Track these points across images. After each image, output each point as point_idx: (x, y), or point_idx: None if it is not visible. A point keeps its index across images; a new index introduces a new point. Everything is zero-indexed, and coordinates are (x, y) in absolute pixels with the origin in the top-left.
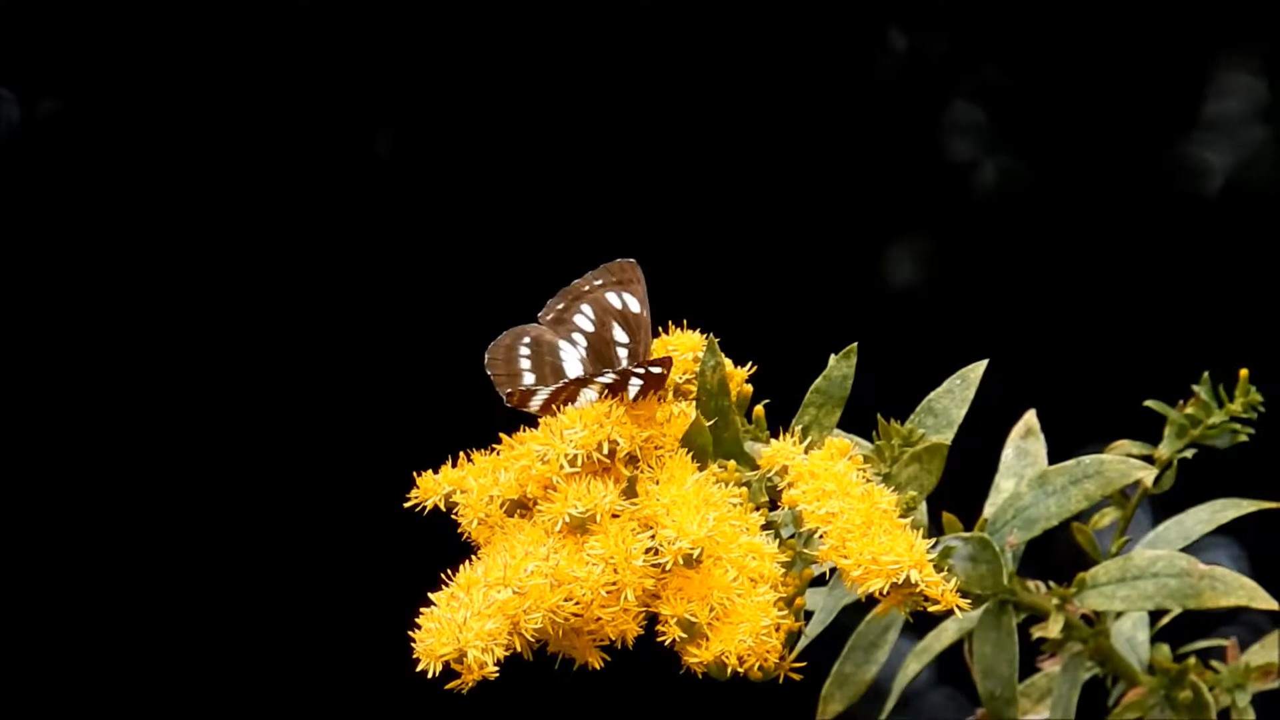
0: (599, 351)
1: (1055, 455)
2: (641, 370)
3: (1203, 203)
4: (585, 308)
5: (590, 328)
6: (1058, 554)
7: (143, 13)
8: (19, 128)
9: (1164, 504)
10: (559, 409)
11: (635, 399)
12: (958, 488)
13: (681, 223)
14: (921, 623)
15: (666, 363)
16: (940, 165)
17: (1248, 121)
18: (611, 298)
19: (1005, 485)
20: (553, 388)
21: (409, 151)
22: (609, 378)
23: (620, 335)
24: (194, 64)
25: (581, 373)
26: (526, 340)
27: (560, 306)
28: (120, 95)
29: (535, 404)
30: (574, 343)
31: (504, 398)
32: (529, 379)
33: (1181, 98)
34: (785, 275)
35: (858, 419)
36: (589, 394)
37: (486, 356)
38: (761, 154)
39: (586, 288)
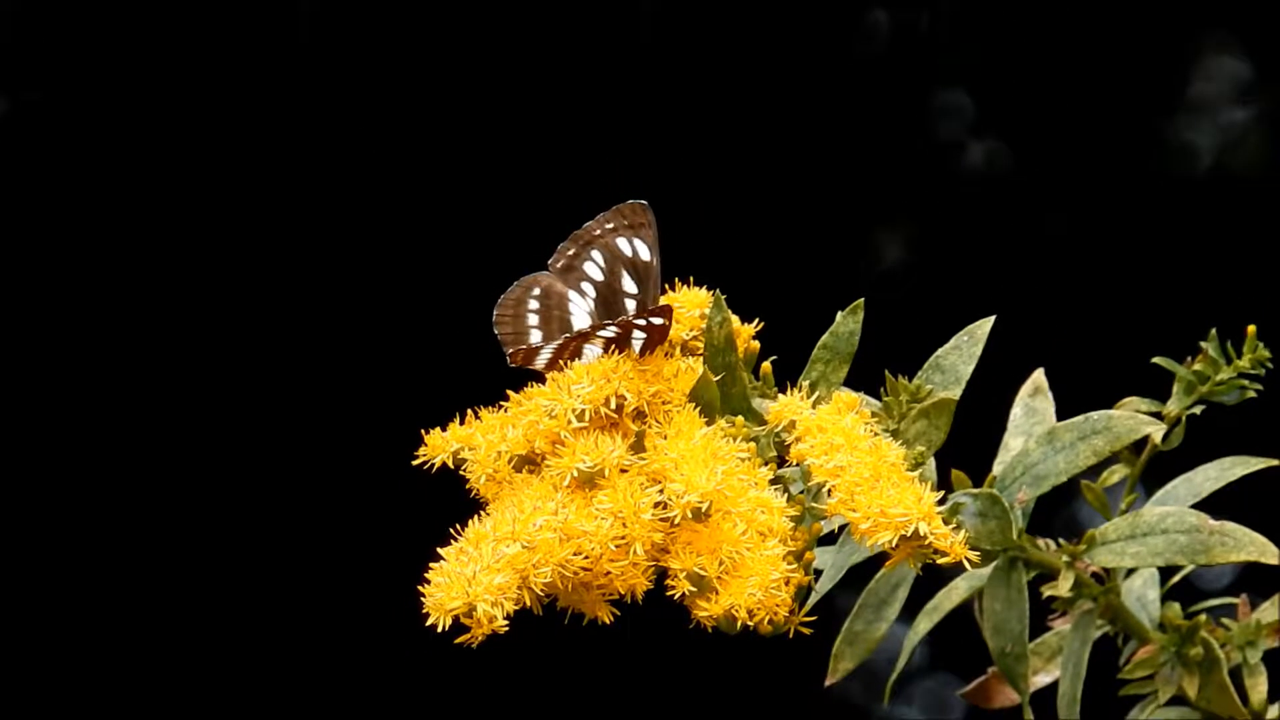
0: (608, 302)
1: (1063, 415)
2: (643, 321)
3: (1189, 184)
4: (595, 254)
5: (600, 276)
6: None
7: (132, 5)
8: (5, 119)
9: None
10: (565, 364)
11: (640, 352)
12: (966, 447)
13: (676, 200)
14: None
15: (666, 312)
16: (926, 146)
17: (1231, 103)
18: (622, 243)
19: (1014, 443)
20: (555, 344)
21: (416, 102)
22: (611, 330)
23: (629, 285)
24: (184, 56)
25: (588, 325)
26: (536, 293)
27: (571, 252)
28: (109, 86)
29: (540, 362)
30: (583, 293)
31: (508, 357)
32: (535, 336)
33: (1165, 79)
34: (780, 255)
35: (862, 379)
36: (593, 349)
37: (495, 313)
38: (750, 133)
39: (598, 231)
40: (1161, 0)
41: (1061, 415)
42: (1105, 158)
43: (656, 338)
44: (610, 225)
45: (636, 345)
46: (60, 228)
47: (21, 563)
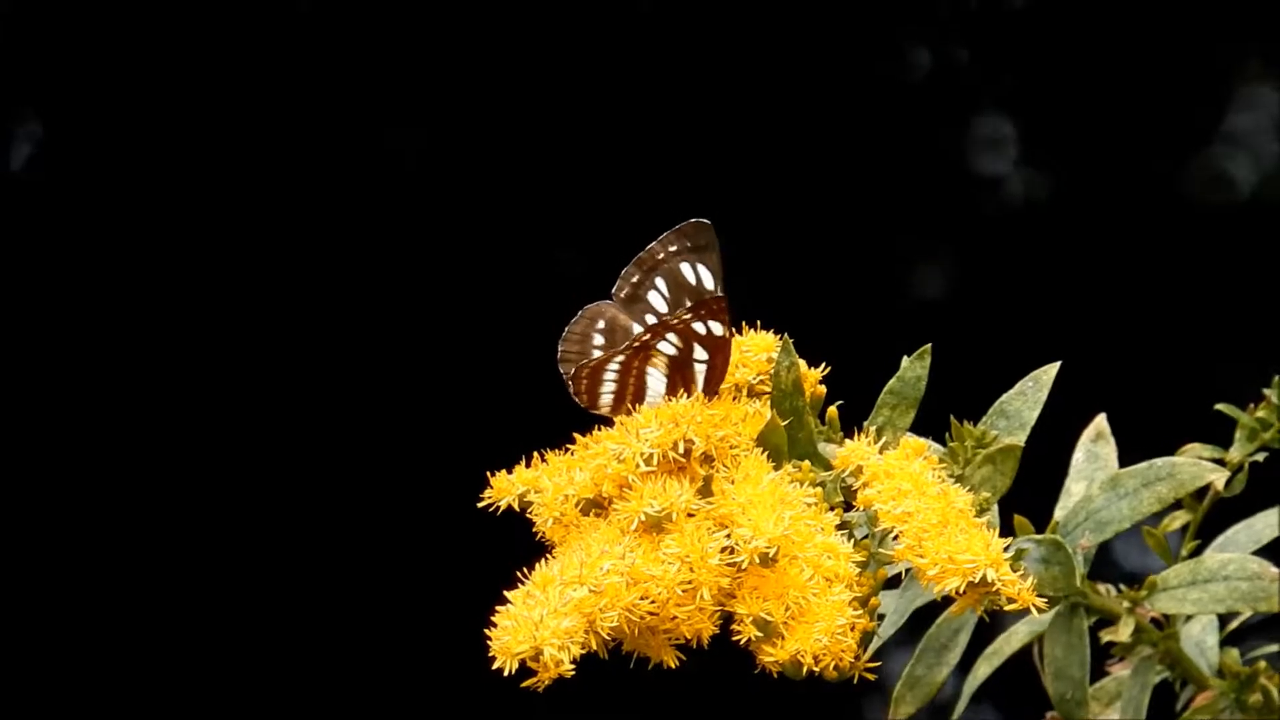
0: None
1: (1124, 459)
2: (702, 327)
3: (1228, 214)
4: (660, 283)
5: (664, 308)
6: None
7: (145, 14)
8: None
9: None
10: (630, 408)
11: (706, 388)
12: (1026, 491)
13: (728, 240)
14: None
15: (721, 304)
16: (967, 179)
17: (1267, 134)
18: (685, 270)
19: (1076, 488)
20: (618, 359)
21: (472, 143)
22: (672, 344)
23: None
24: (201, 66)
25: (645, 331)
26: (600, 326)
27: (635, 279)
28: (116, 88)
29: (604, 401)
30: (646, 325)
31: (569, 379)
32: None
33: (1203, 111)
34: (842, 265)
35: (925, 418)
36: (657, 383)
37: (560, 347)
38: (787, 164)
39: (661, 255)
40: (1198, 32)
41: (1123, 459)
42: (1143, 188)
43: (720, 363)
44: (674, 248)
45: (699, 371)
46: (91, 238)
47: (56, 561)
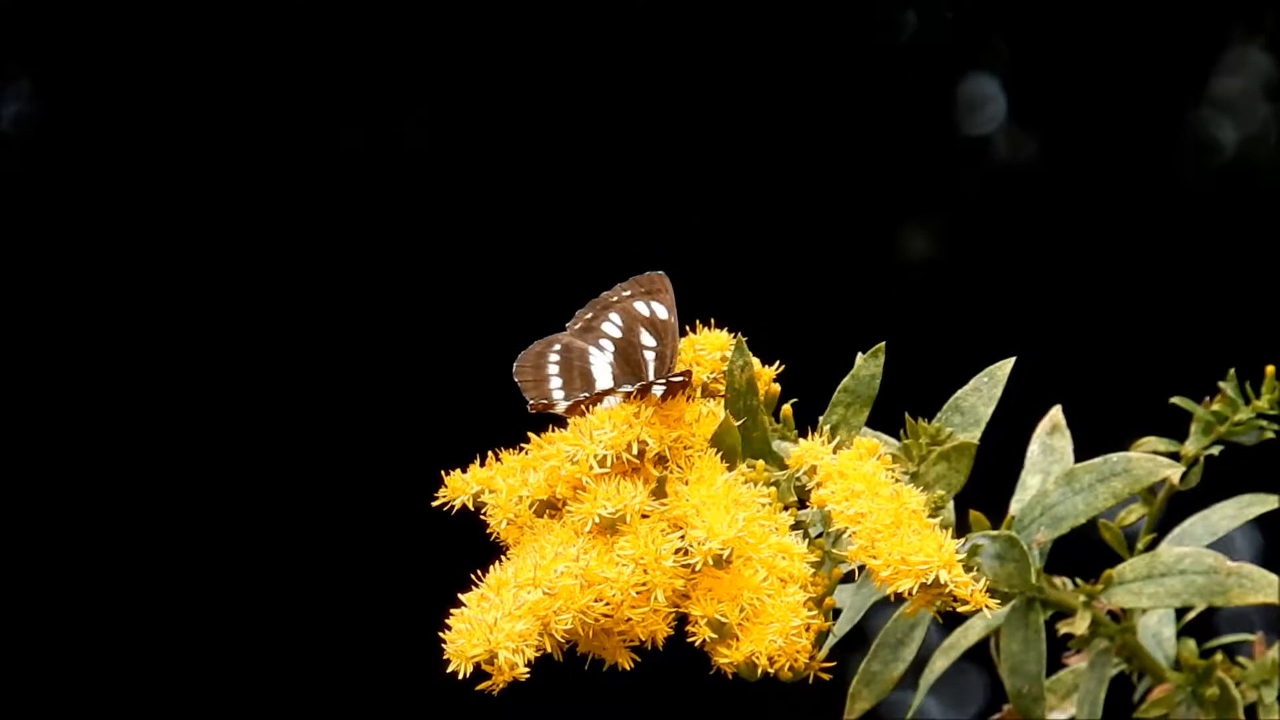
0: (626, 355)
1: (1080, 450)
2: (663, 382)
3: (1211, 180)
4: (614, 316)
5: (618, 334)
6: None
7: (141, 7)
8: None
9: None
10: (585, 410)
11: (662, 398)
12: (982, 484)
13: (698, 210)
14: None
15: (686, 375)
16: (954, 140)
17: (1254, 98)
18: (640, 306)
19: (1031, 482)
20: (574, 399)
21: (443, 151)
22: (630, 388)
23: (648, 339)
24: (195, 41)
25: (610, 377)
26: (556, 348)
27: (589, 316)
28: (116, 86)
29: (560, 406)
30: (602, 349)
31: (529, 406)
32: (555, 385)
33: (1191, 73)
34: (801, 258)
35: (881, 412)
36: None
37: (515, 366)
38: (774, 133)
39: (615, 298)
40: None
41: (1078, 450)
42: (1129, 151)
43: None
44: (627, 293)
45: (658, 392)
46: (81, 233)
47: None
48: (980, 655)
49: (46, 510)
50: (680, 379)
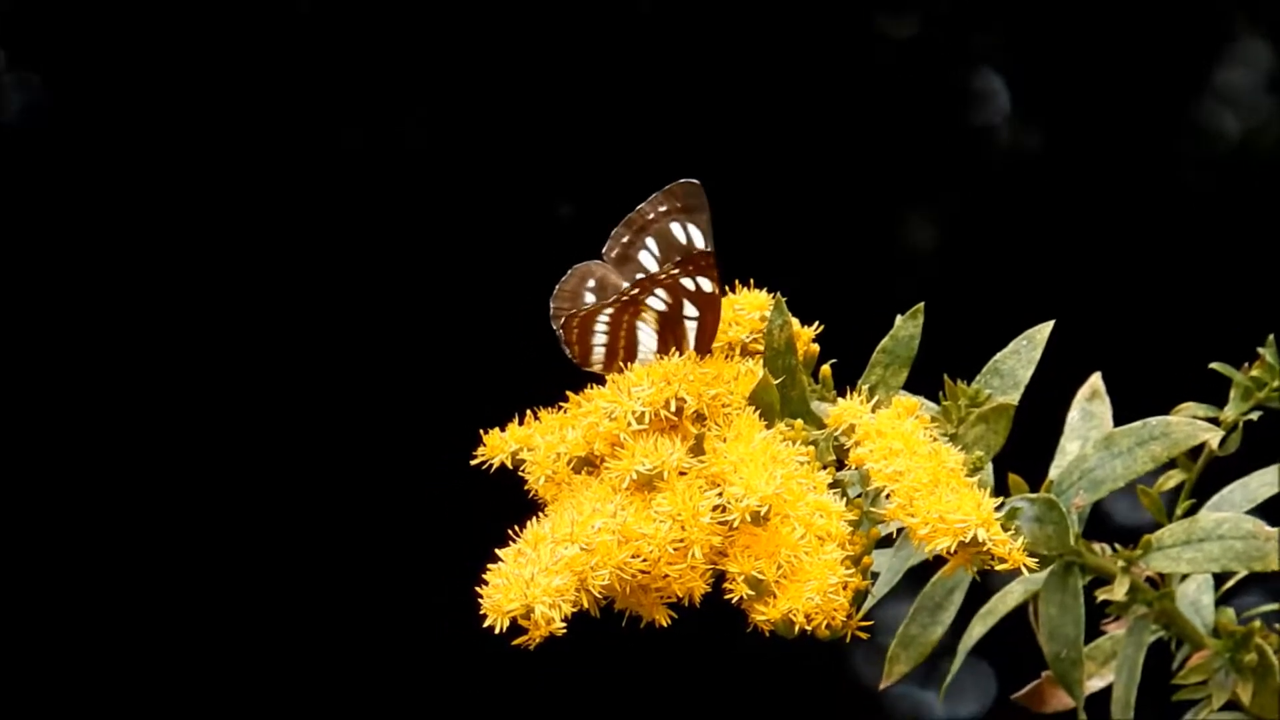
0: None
1: (1119, 418)
2: (690, 283)
3: (1217, 167)
4: (650, 242)
5: (654, 267)
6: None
7: (140, 7)
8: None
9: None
10: (624, 366)
11: (697, 345)
12: (1021, 450)
13: (720, 198)
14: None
15: (709, 258)
16: (959, 132)
17: (1259, 90)
18: (676, 229)
19: (1070, 447)
20: (609, 308)
21: (455, 106)
22: (662, 299)
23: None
24: (199, 59)
25: (633, 283)
26: (591, 284)
27: (625, 239)
28: (116, 85)
29: (595, 358)
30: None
31: (560, 328)
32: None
33: (1193, 64)
34: (828, 252)
35: (916, 378)
36: (648, 338)
37: (552, 303)
38: (778, 119)
39: (651, 214)
40: None
41: (1118, 418)
42: (1133, 141)
43: (711, 320)
44: (664, 208)
45: (690, 329)
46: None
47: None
48: (988, 650)
49: (57, 510)
50: (710, 287)
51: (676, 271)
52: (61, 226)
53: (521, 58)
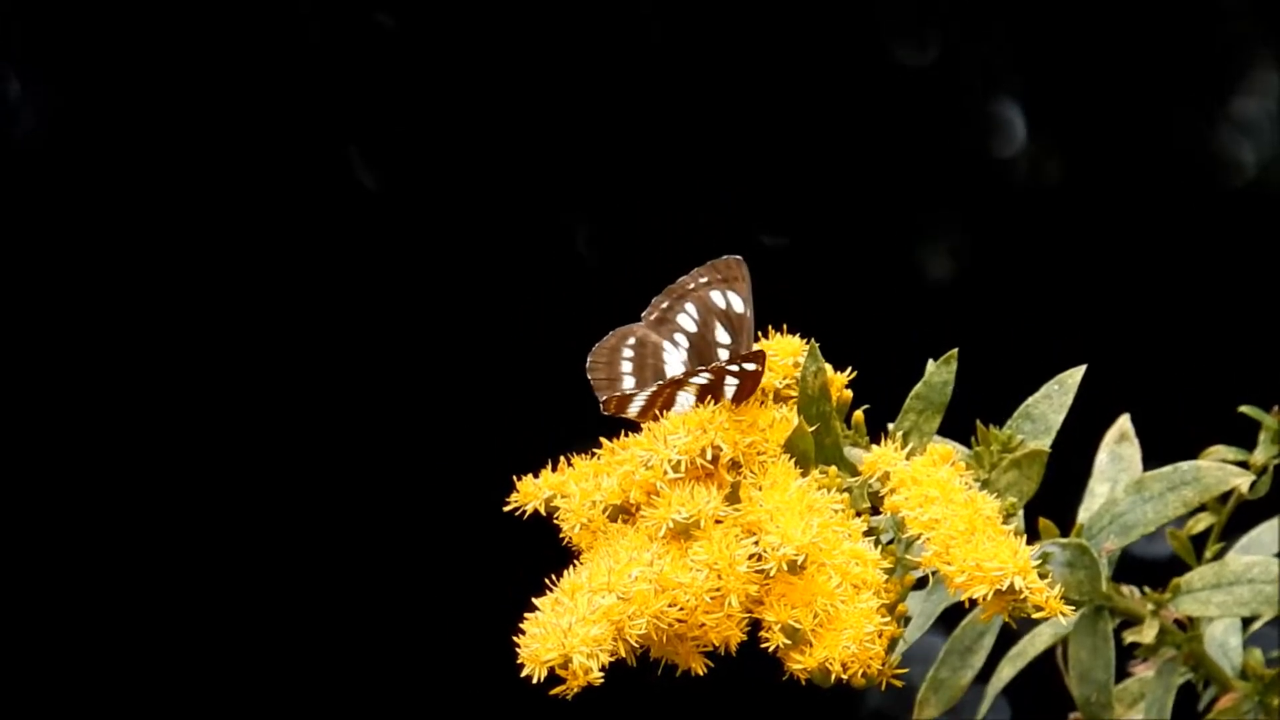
0: (701, 352)
1: (1145, 459)
2: (736, 368)
3: (1233, 199)
4: (689, 307)
5: (693, 328)
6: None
7: (133, 19)
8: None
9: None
10: (658, 415)
11: (735, 400)
12: (1048, 491)
13: (731, 215)
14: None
15: (760, 357)
16: (978, 161)
17: (1273, 119)
18: (715, 296)
19: (1100, 490)
20: (648, 392)
21: (506, 152)
22: (704, 378)
23: (722, 335)
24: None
25: (681, 372)
26: (631, 342)
27: (665, 305)
28: (116, 86)
29: (633, 410)
30: (676, 344)
31: (600, 404)
32: (629, 383)
33: (1211, 94)
34: (831, 278)
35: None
36: (686, 397)
37: (589, 360)
38: (794, 151)
39: (691, 285)
40: (1206, 15)
41: (1146, 459)
42: (1150, 171)
43: (750, 384)
44: (704, 279)
45: (729, 392)
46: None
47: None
48: (1008, 689)
49: (78, 509)
50: (754, 368)
51: (727, 364)
52: (71, 239)
53: (538, 91)
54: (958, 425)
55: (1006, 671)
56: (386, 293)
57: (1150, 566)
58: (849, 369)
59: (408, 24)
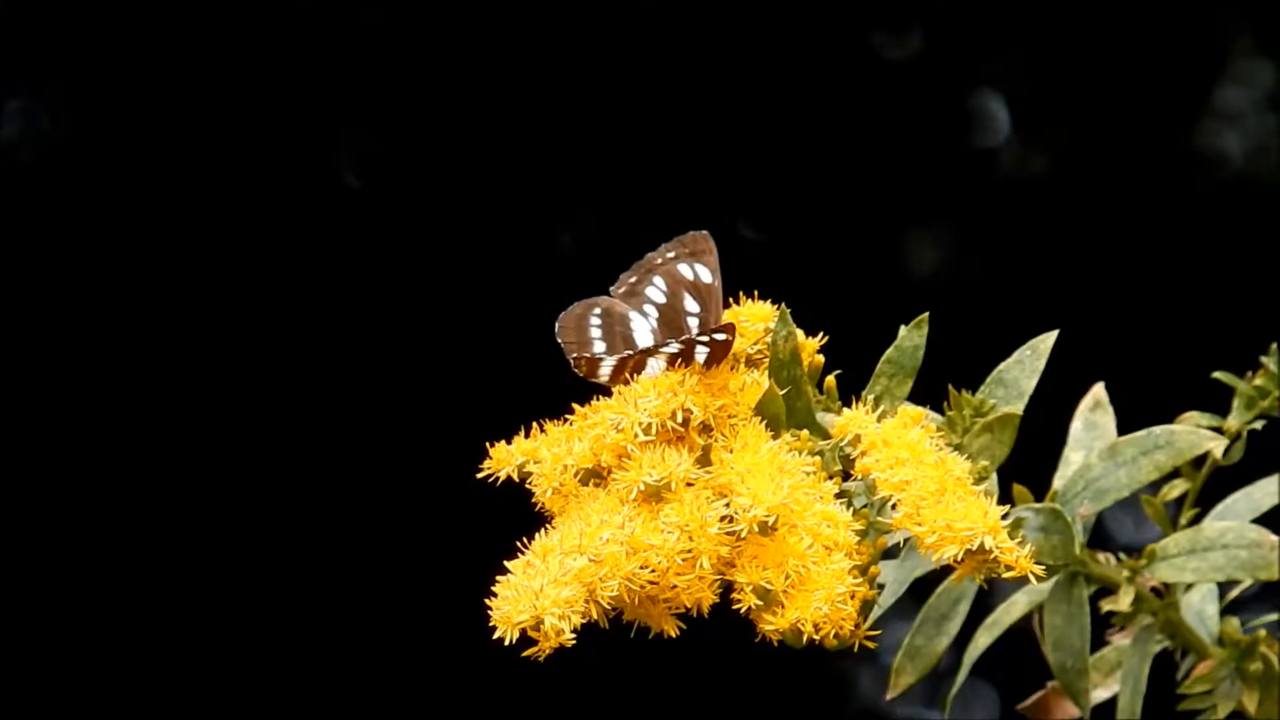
0: (670, 321)
1: (1122, 429)
2: (706, 338)
3: (1219, 187)
4: (657, 279)
5: (662, 299)
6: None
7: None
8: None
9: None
10: (630, 378)
11: (705, 366)
12: (1024, 461)
13: (726, 210)
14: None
15: (730, 329)
16: (961, 152)
17: (1259, 110)
18: (683, 269)
19: (1074, 457)
20: (619, 356)
21: (488, 119)
22: (674, 347)
23: (691, 305)
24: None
25: (651, 342)
26: (597, 311)
27: (633, 279)
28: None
29: (603, 372)
30: (645, 314)
31: (572, 364)
32: (599, 347)
33: (1195, 85)
34: (831, 264)
35: (919, 393)
36: (656, 364)
37: (557, 325)
38: (781, 139)
39: (659, 260)
40: (1192, 6)
41: (1121, 428)
42: (1135, 162)
43: (720, 353)
44: (671, 254)
45: (700, 359)
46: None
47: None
48: (989, 670)
49: (79, 509)
50: (724, 338)
51: (699, 336)
52: (61, 237)
53: (525, 84)
54: (932, 395)
55: (983, 640)
56: (370, 277)
57: (1136, 550)
58: (820, 334)
59: (392, 22)
